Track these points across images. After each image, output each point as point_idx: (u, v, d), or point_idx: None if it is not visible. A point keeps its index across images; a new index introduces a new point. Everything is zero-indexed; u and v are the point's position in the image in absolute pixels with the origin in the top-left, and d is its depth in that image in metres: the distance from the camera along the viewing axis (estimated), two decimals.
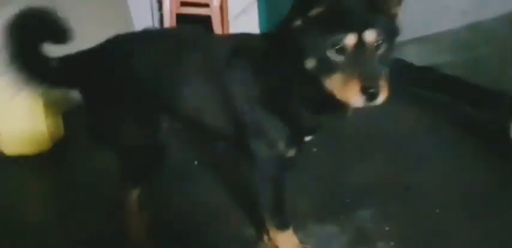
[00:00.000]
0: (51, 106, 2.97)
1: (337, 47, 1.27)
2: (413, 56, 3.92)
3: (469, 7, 3.59)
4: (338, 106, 1.37)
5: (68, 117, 3.37)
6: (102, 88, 1.67)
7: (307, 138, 1.65)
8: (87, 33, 4.44)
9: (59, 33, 1.64)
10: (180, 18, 5.03)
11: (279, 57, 1.43)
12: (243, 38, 1.64)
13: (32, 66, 1.61)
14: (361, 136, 2.75)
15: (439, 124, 3.13)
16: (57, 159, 2.79)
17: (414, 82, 3.73)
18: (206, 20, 4.73)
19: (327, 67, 1.29)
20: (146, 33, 1.94)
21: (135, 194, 1.82)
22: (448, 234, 1.92)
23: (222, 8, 4.88)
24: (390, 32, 1.33)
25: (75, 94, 3.89)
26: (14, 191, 2.41)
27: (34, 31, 1.58)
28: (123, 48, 1.67)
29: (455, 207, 2.10)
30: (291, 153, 1.62)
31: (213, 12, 4.70)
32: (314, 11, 1.29)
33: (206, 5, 4.71)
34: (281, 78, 1.45)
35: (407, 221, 1.99)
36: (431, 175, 2.40)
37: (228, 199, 2.21)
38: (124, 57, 1.64)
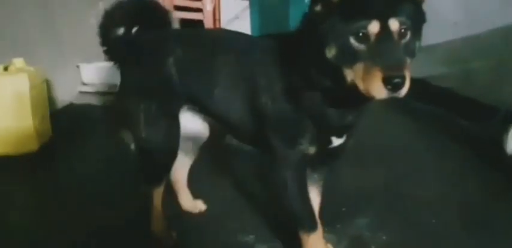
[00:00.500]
0: (39, 106, 2.92)
1: (360, 34, 1.20)
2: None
3: (461, 20, 3.63)
4: (360, 99, 1.29)
5: (56, 117, 3.32)
6: (136, 77, 1.76)
7: (336, 141, 1.55)
8: (80, 32, 4.40)
9: (156, 19, 1.83)
10: None
11: (302, 49, 1.38)
12: (271, 35, 1.64)
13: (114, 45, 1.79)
14: (358, 146, 2.73)
15: (434, 135, 3.16)
16: (44, 160, 2.73)
17: (408, 94, 3.75)
18: (199, 25, 4.72)
19: (349, 56, 1.22)
20: (187, 32, 1.94)
21: (161, 189, 1.84)
22: (444, 244, 1.90)
23: (215, 13, 4.88)
24: (416, 19, 1.26)
25: (63, 95, 3.89)
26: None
27: (132, 16, 1.79)
28: (168, 41, 1.75)
29: (451, 217, 2.08)
30: (312, 150, 1.52)
31: (206, 17, 4.70)
32: None
33: (199, 10, 4.71)
34: (304, 70, 1.39)
35: (404, 231, 1.97)
36: (426, 185, 2.39)
37: (229, 204, 2.19)
38: (162, 50, 1.71)
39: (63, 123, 3.37)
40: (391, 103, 3.64)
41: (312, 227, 1.63)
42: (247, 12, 5.45)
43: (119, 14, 1.77)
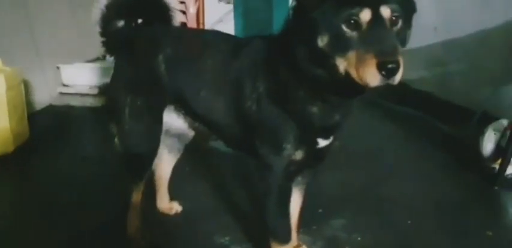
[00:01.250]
0: (16, 107, 2.88)
1: (352, 22, 1.18)
2: None
3: (441, 25, 3.68)
4: (353, 89, 1.27)
5: (34, 119, 3.29)
6: (126, 71, 1.77)
7: (322, 142, 1.51)
8: (59, 33, 4.36)
9: (157, 14, 1.85)
10: None
11: (291, 42, 1.35)
12: (259, 36, 1.63)
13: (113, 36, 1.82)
14: (335, 148, 2.75)
15: (411, 137, 3.20)
16: (18, 162, 2.69)
17: (387, 97, 3.78)
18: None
19: (341, 44, 1.20)
20: (179, 31, 1.92)
21: (140, 188, 1.83)
22: (418, 244, 1.92)
23: (198, 16, 4.86)
24: (407, 8, 1.26)
25: (42, 96, 3.83)
26: None
27: (132, 9, 1.82)
28: (159, 39, 1.76)
29: (426, 218, 2.11)
30: (299, 155, 1.48)
31: (189, 19, 4.67)
32: None
33: (182, 12, 4.69)
34: (293, 65, 1.36)
35: (379, 232, 1.98)
36: (403, 187, 2.42)
37: (204, 206, 2.18)
38: (153, 47, 1.72)
39: (42, 125, 3.33)
40: (370, 106, 3.73)
41: (284, 241, 1.62)
42: (231, 16, 5.45)
43: (119, 6, 1.79)
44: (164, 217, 2.07)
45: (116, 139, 1.79)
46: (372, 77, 1.14)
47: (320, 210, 2.13)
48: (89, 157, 2.77)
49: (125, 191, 1.84)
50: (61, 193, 2.30)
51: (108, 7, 1.78)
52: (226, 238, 1.91)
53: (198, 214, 2.09)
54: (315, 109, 1.41)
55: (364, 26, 1.19)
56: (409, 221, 2.05)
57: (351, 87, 1.25)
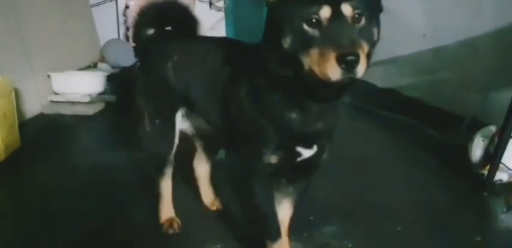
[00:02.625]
0: (6, 116, 2.87)
1: (313, 20, 1.21)
2: (377, 78, 4.02)
3: (430, 32, 3.72)
4: (322, 89, 1.31)
5: (25, 127, 3.28)
6: (145, 77, 1.96)
7: (306, 153, 1.52)
8: (49, 41, 4.37)
9: (184, 23, 1.98)
10: None
11: (263, 45, 1.38)
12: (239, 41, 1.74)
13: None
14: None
15: (401, 144, 3.22)
16: (9, 171, 2.67)
17: (377, 103, 3.81)
18: None
19: (303, 42, 1.23)
20: (186, 39, 1.98)
21: (167, 180, 2.01)
22: None
23: None
24: (370, 6, 1.28)
25: (33, 105, 3.82)
26: None
27: (162, 19, 1.94)
28: (169, 48, 1.89)
29: (416, 224, 2.12)
30: (274, 159, 1.50)
31: None
32: None
33: None
34: (264, 67, 1.38)
35: (370, 239, 1.99)
36: (393, 194, 2.43)
37: (195, 213, 2.18)
38: (163, 56, 1.87)
39: (33, 133, 3.32)
40: (360, 113, 3.75)
41: (274, 237, 1.65)
42: (223, 23, 5.48)
43: (148, 15, 1.94)
44: (155, 224, 2.06)
45: (142, 141, 1.99)
46: (332, 71, 1.16)
47: (311, 217, 2.14)
48: (79, 166, 2.76)
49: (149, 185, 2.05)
50: (52, 201, 2.28)
51: (139, 15, 1.94)
52: (218, 246, 1.90)
53: (190, 221, 2.08)
54: (293, 115, 1.42)
55: (325, 23, 1.21)
56: (399, 228, 2.07)
57: (320, 88, 1.29)
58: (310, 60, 1.21)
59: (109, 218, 2.12)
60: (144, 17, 1.94)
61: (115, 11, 5.49)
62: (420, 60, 3.82)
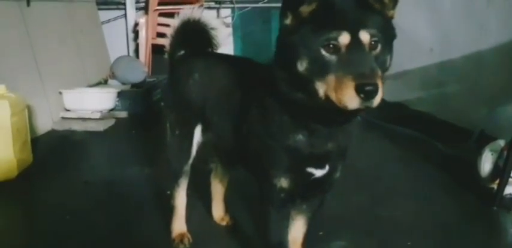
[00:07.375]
0: (19, 133, 2.91)
1: (331, 46, 1.20)
2: (385, 93, 4.02)
3: (437, 46, 3.74)
4: (334, 115, 1.29)
5: (37, 144, 3.32)
6: (170, 92, 2.13)
7: (317, 172, 1.49)
8: (60, 59, 4.44)
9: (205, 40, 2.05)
10: (155, 47, 5.11)
11: (274, 67, 1.36)
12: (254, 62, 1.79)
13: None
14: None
15: (410, 158, 3.22)
16: (21, 188, 2.70)
17: (386, 117, 3.82)
18: None
19: (320, 68, 1.21)
20: (207, 58, 2.05)
21: (182, 192, 2.05)
22: None
23: None
24: (386, 33, 1.27)
25: (45, 121, 3.87)
26: None
27: (190, 40, 2.05)
28: (191, 66, 1.98)
29: (425, 238, 2.12)
30: (284, 182, 1.48)
31: None
32: (305, 8, 1.25)
33: None
34: (276, 89, 1.36)
35: None
36: (402, 207, 2.43)
37: (206, 227, 2.20)
38: (186, 73, 1.96)
39: (44, 149, 3.36)
40: (368, 126, 3.76)
41: None
42: (230, 39, 5.54)
43: (178, 38, 2.05)
44: (165, 239, 2.07)
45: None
46: (350, 100, 1.15)
47: (321, 233, 2.13)
48: (91, 182, 2.79)
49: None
50: (65, 218, 2.30)
51: (172, 36, 2.05)
52: None
53: (199, 235, 2.09)
54: (300, 137, 1.41)
55: (343, 49, 1.20)
56: (408, 243, 2.06)
57: (332, 113, 1.27)
58: (327, 86, 1.20)
59: (120, 234, 2.14)
60: (175, 40, 2.04)
61: (125, 28, 5.60)
62: (427, 75, 3.84)
